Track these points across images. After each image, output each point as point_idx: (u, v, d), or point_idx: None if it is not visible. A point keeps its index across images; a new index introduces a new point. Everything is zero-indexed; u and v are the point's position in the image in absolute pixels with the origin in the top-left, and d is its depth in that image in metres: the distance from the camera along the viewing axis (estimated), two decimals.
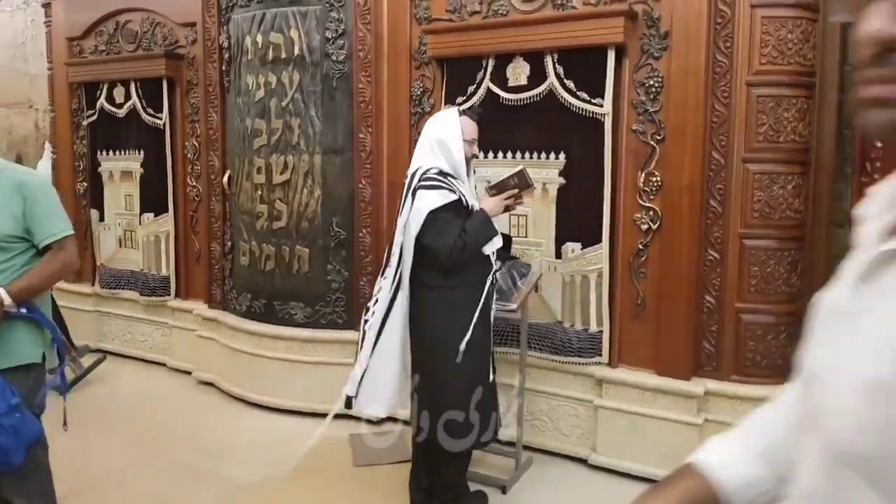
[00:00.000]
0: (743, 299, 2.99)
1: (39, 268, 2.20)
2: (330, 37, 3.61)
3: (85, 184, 4.94)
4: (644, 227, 3.08)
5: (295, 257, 3.79)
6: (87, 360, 4.40)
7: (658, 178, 3.03)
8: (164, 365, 4.62)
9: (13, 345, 2.17)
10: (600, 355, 3.19)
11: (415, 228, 2.52)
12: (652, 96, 3.00)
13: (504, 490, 2.99)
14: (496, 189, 2.71)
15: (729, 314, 3.02)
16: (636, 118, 3.05)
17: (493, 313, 2.74)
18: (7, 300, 2.09)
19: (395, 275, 2.61)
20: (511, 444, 3.20)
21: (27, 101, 6.78)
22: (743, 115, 2.90)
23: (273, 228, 3.82)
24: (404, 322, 2.63)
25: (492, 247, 2.64)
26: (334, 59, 3.62)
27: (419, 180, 2.56)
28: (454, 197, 2.56)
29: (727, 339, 3.03)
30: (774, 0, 2.82)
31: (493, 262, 2.69)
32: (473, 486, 2.96)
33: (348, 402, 2.67)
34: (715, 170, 2.98)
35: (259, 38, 3.74)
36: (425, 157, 2.64)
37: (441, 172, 2.59)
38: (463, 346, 2.53)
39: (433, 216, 2.51)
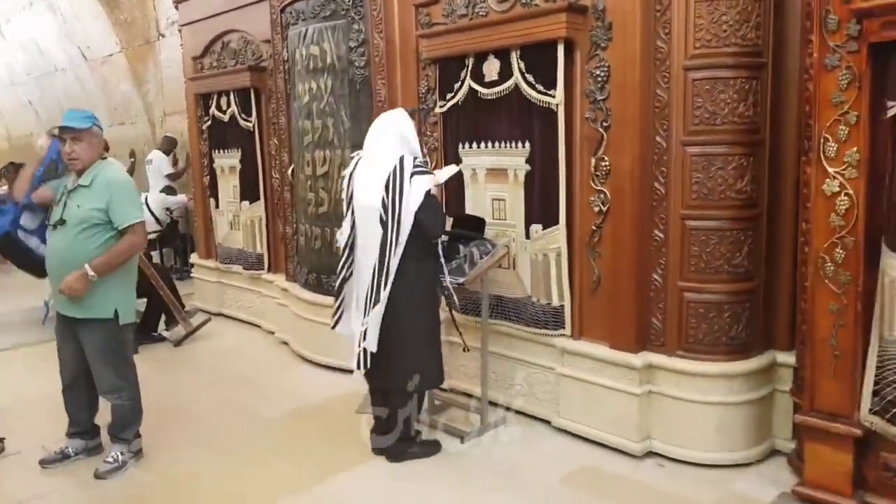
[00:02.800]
0: (685, 278, 3.09)
1: (114, 248, 3.05)
2: (353, 46, 4.19)
3: (207, 177, 6.04)
4: (596, 209, 3.27)
5: (334, 238, 4.44)
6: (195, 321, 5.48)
7: (607, 163, 3.20)
8: (259, 327, 5.58)
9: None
10: (564, 328, 3.45)
11: (414, 206, 3.01)
12: (599, 85, 3.17)
13: (462, 440, 3.40)
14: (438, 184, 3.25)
15: (673, 292, 3.13)
16: (588, 107, 3.24)
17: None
18: (91, 273, 2.98)
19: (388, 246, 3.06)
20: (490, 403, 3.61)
21: None
22: (681, 99, 2.99)
23: (318, 213, 4.52)
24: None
25: None
26: (357, 65, 4.20)
27: (413, 167, 3.04)
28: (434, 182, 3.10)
29: (671, 317, 3.14)
30: None
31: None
32: (435, 434, 3.44)
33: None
34: (658, 153, 3.09)
35: (304, 51, 4.43)
36: (395, 148, 3.12)
37: (423, 163, 3.10)
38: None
39: (428, 197, 3.04)
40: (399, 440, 3.22)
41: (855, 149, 2.50)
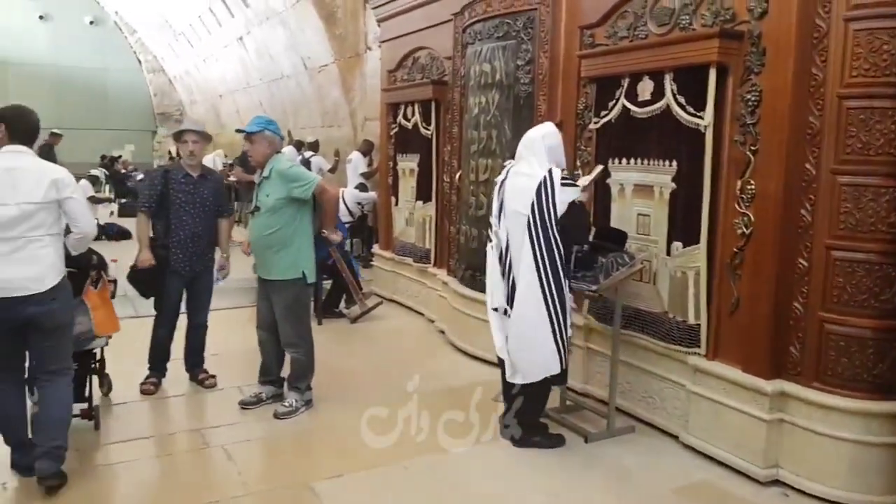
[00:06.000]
0: (827, 309, 3.01)
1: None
2: (520, 64, 4.52)
3: (391, 178, 6.73)
4: (739, 231, 3.28)
5: (488, 239, 4.81)
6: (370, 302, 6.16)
7: (753, 187, 3.20)
8: (423, 315, 6.14)
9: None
10: (698, 346, 3.49)
11: (559, 213, 3.32)
12: (750, 109, 3.19)
13: (586, 440, 3.59)
14: (587, 188, 3.53)
15: (813, 322, 3.06)
16: (737, 130, 3.27)
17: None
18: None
19: (545, 247, 3.34)
20: (619, 410, 3.78)
21: None
22: (833, 127, 2.93)
23: (477, 216, 4.91)
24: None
25: None
26: (522, 82, 4.52)
27: (561, 179, 3.35)
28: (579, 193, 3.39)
29: (810, 347, 3.07)
30: (870, 13, 2.79)
31: None
32: (561, 430, 3.66)
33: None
34: (807, 180, 3.04)
35: (477, 67, 4.84)
36: (545, 161, 3.43)
37: (569, 174, 3.42)
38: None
39: (573, 205, 3.34)
40: (525, 428, 3.50)
41: None
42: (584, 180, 3.51)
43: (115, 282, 3.85)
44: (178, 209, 4.02)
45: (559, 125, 3.67)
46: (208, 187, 4.13)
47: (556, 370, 3.37)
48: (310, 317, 4.06)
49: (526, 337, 3.39)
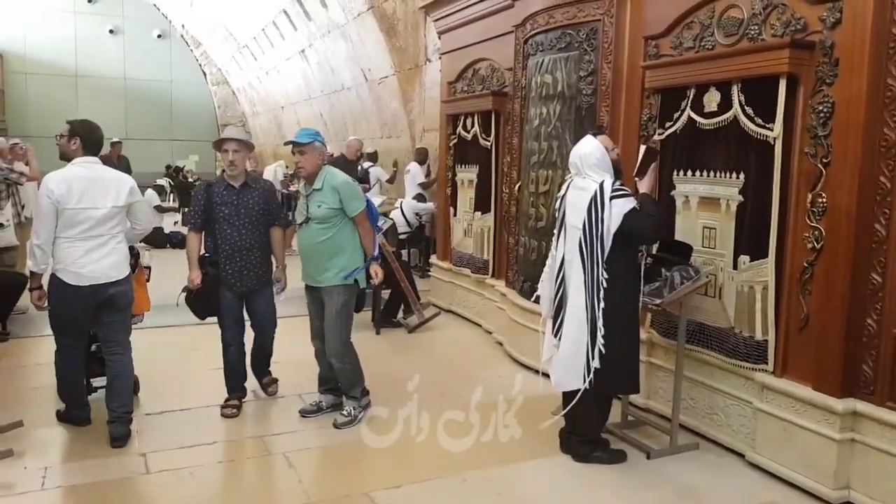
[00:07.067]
0: None
1: (365, 236, 3.93)
2: (582, 75, 4.51)
3: (450, 189, 6.79)
4: (810, 245, 3.19)
5: (548, 251, 4.79)
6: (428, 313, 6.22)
7: (824, 200, 3.12)
8: (480, 326, 6.16)
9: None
10: (766, 363, 3.40)
11: (615, 226, 3.30)
12: (822, 121, 3.11)
13: (648, 456, 3.54)
14: (640, 173, 3.50)
15: (887, 340, 2.96)
16: (808, 142, 3.19)
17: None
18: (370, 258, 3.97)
19: (588, 262, 3.34)
20: (681, 426, 3.72)
21: None
22: None
23: (537, 227, 4.92)
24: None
25: None
26: (584, 93, 4.51)
27: (611, 192, 3.32)
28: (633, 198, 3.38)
29: (884, 365, 2.97)
30: None
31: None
32: (623, 446, 3.62)
33: None
34: (882, 194, 2.95)
35: (539, 79, 4.86)
36: (596, 174, 3.42)
37: (622, 184, 3.40)
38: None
39: (631, 212, 3.30)
40: (585, 443, 3.48)
41: None
42: (639, 172, 3.51)
43: (149, 268, 4.22)
44: (222, 222, 3.93)
45: (601, 128, 3.70)
46: (253, 197, 3.99)
47: (577, 386, 3.37)
48: (352, 322, 4.07)
49: (566, 352, 3.42)
